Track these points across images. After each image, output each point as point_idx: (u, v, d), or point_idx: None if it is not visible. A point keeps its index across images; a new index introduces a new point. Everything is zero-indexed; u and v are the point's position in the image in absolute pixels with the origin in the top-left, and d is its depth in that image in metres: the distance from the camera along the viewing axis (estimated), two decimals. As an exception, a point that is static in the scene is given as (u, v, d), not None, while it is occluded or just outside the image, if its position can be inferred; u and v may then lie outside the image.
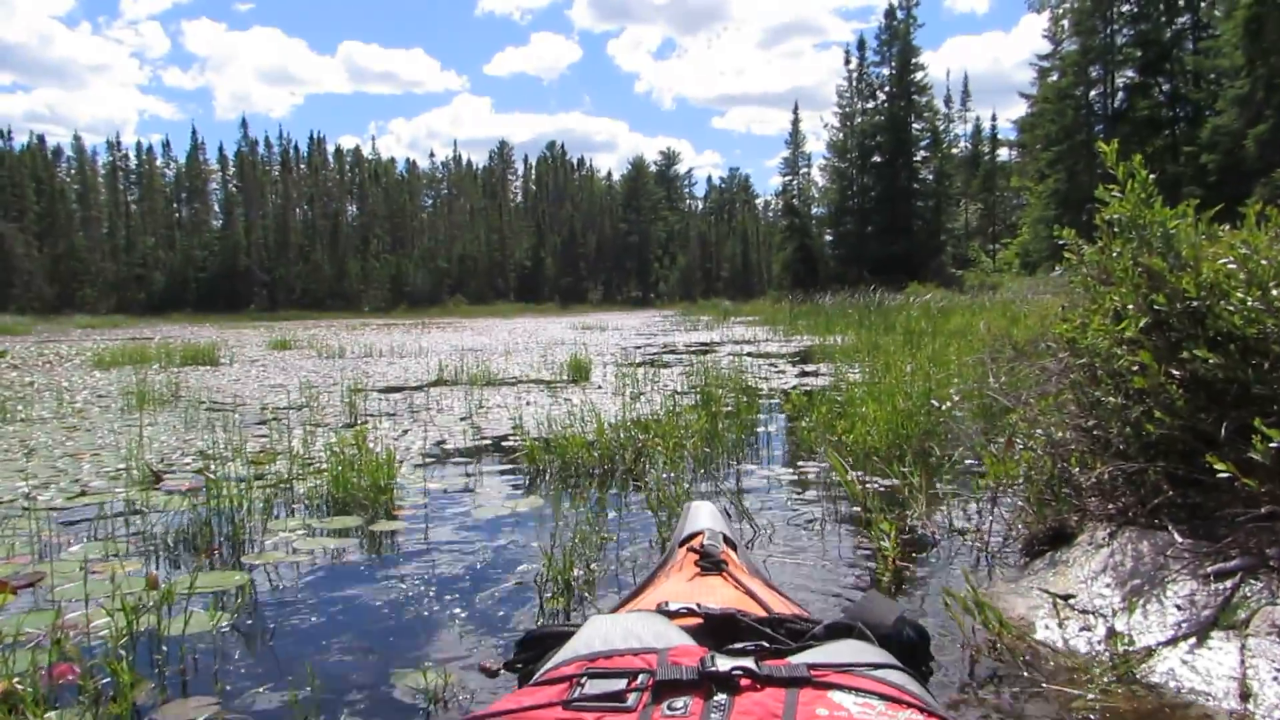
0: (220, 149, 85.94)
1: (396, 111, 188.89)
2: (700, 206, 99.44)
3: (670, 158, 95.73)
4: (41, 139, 77.10)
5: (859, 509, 3.00)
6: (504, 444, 4.68)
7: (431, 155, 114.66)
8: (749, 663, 0.80)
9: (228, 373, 10.01)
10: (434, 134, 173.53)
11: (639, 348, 13.79)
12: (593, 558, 2.48)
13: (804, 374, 8.15)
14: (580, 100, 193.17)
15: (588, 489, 3.46)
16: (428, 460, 4.23)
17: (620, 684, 0.80)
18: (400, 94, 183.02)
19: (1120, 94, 30.54)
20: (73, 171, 79.78)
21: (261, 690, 1.73)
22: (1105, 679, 1.70)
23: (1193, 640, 1.81)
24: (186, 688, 1.75)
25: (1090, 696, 1.64)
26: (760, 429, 4.90)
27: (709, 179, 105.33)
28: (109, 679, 1.68)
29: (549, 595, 2.23)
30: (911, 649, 1.03)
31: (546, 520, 3.04)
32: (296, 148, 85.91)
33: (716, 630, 0.98)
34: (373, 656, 1.90)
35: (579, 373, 8.31)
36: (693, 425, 4.16)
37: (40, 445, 4.74)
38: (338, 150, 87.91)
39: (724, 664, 0.80)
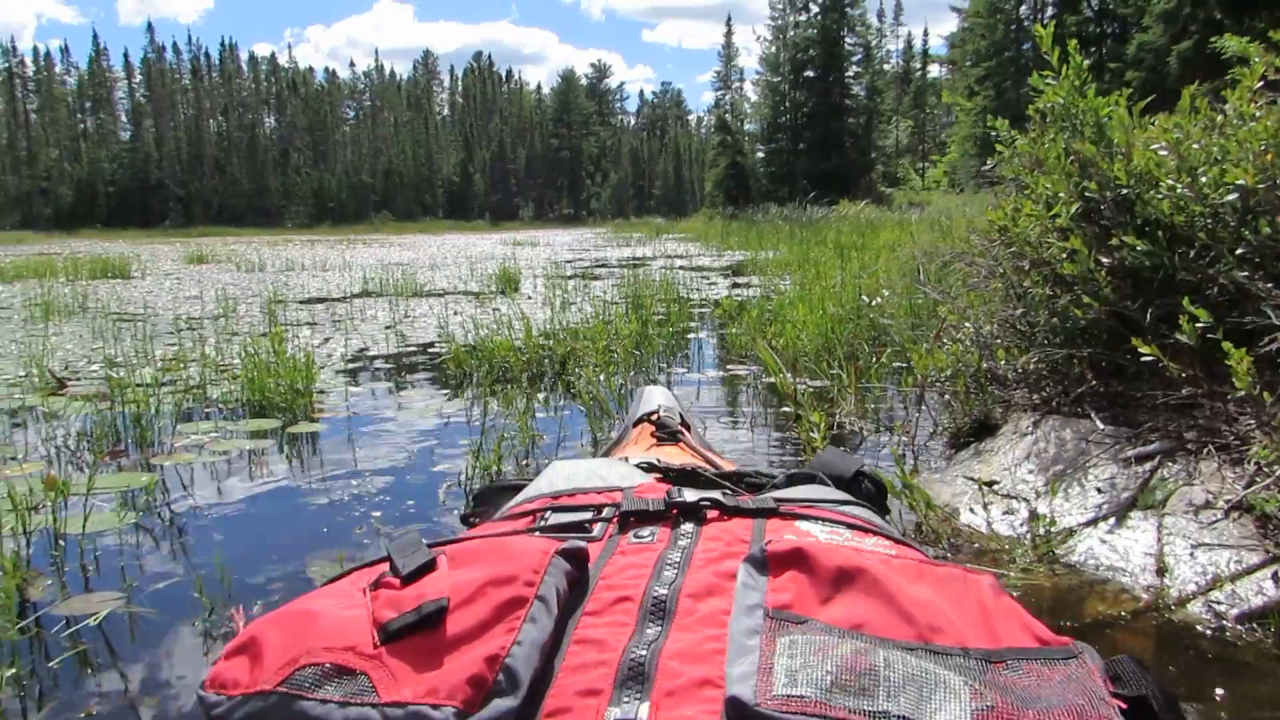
0: (125, 55, 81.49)
1: (314, 18, 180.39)
2: (633, 122, 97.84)
3: (601, 71, 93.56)
4: (-74, 41, 71.52)
5: (789, 409, 3.00)
6: (429, 350, 4.58)
7: (352, 65, 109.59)
8: (716, 495, 0.78)
9: (140, 285, 9.60)
10: (354, 43, 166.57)
11: (569, 262, 13.61)
12: (522, 454, 2.43)
13: (735, 286, 8.14)
14: (508, 9, 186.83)
15: (516, 393, 3.39)
16: (351, 366, 4.11)
17: (585, 515, 0.77)
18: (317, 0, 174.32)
19: (1050, 9, 30.63)
20: (-37, 77, 74.65)
21: (170, 584, 1.65)
22: (1027, 559, 1.73)
23: (1112, 521, 1.85)
24: (89, 584, 1.66)
25: (1012, 575, 1.66)
26: (691, 335, 4.88)
27: (641, 94, 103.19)
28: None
29: (476, 491, 2.17)
30: (870, 500, 1.01)
31: (474, 422, 2.97)
32: (208, 54, 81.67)
33: (678, 483, 0.94)
34: (288, 549, 1.83)
35: (508, 284, 8.16)
36: (623, 330, 4.10)
37: (-68, 355, 4.47)
38: (252, 58, 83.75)
39: (691, 497, 0.77)
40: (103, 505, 2.08)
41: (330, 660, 0.54)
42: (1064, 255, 2.13)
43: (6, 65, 76.25)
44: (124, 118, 79.77)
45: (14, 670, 1.31)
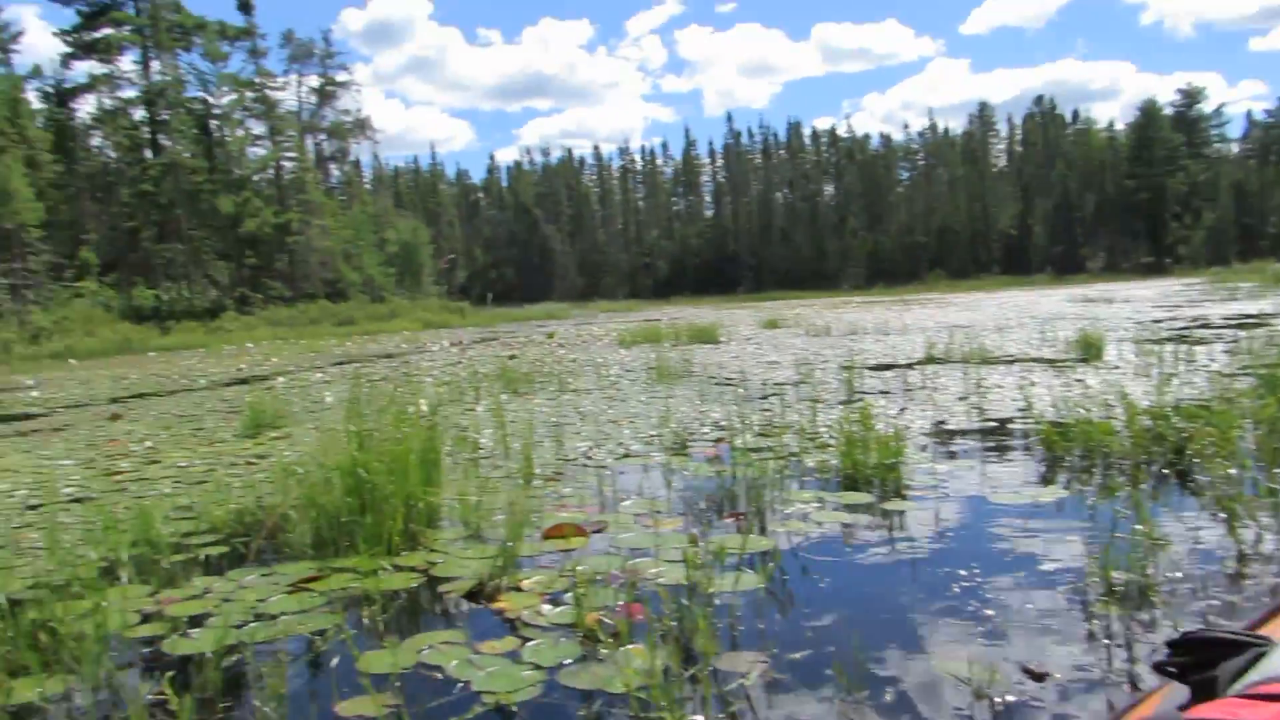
0: (710, 144, 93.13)
1: (870, 87, 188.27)
2: (1235, 150, 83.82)
3: (1192, 96, 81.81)
4: (570, 152, 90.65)
5: None
6: (1011, 426, 4.40)
7: (906, 127, 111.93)
8: None
9: (727, 350, 10.81)
10: (908, 105, 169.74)
11: (1159, 321, 12.10)
12: (1143, 563, 2.19)
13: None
14: (1072, 46, 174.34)
15: (1119, 482, 3.09)
16: (930, 440, 4.13)
17: None
18: (873, 69, 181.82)
19: None
20: (594, 177, 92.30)
21: (801, 655, 1.80)
22: None
23: None
24: (735, 641, 1.89)
25: None
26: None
27: (1248, 115, 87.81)
28: (675, 622, 1.89)
29: (1096, 599, 2.02)
30: None
31: (1072, 513, 2.78)
32: (776, 134, 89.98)
33: None
34: (908, 638, 1.88)
35: (1089, 350, 7.51)
36: (1255, 412, 3.50)
37: (589, 412, 5.55)
38: (814, 133, 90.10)
39: None
40: (732, 565, 2.36)
41: None
42: None
43: (622, 163, 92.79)
44: (708, 198, 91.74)
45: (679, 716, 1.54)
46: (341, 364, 12.94)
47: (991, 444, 4.04)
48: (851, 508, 2.99)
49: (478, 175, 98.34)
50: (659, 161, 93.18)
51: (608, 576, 2.26)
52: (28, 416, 7.73)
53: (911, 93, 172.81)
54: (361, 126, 52.17)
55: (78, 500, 3.65)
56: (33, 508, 3.57)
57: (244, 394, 8.42)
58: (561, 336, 17.62)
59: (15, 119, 29.91)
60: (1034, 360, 7.53)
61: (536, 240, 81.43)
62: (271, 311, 33.89)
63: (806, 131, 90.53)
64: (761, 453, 3.58)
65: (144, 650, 1.99)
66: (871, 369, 7.55)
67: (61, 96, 38.58)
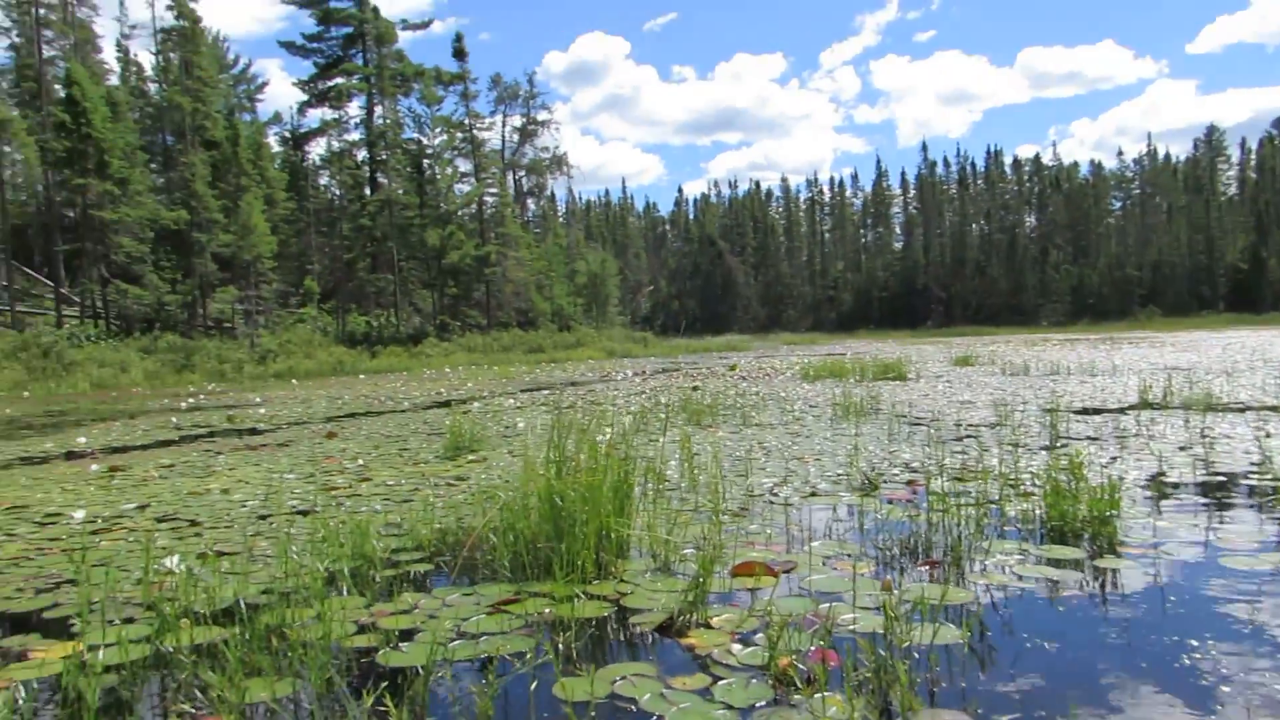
0: (902, 174, 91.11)
1: (1080, 112, 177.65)
2: None
3: None
4: (758, 184, 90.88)
5: None
6: (1244, 482, 3.99)
7: (1120, 154, 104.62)
8: None
9: (915, 387, 10.43)
10: (1123, 130, 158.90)
11: None
12: None
13: None
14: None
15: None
16: (1148, 493, 3.81)
17: None
18: (1084, 93, 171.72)
19: None
20: (780, 209, 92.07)
21: (1011, 716, 1.70)
22: None
23: None
24: (934, 698, 1.81)
25: None
26: None
27: None
28: (871, 673, 1.83)
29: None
30: None
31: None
32: (973, 164, 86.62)
33: None
34: (1113, 707, 1.73)
35: (1338, 399, 6.72)
36: None
37: (773, 448, 5.50)
38: (1015, 161, 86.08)
39: None
40: (930, 616, 2.26)
41: None
42: None
43: (810, 195, 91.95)
44: (897, 230, 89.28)
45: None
46: (531, 390, 13.47)
47: (1220, 500, 3.67)
48: (1059, 562, 2.80)
49: (665, 208, 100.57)
50: (848, 193, 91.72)
51: (799, 619, 2.23)
52: (256, 431, 8.51)
53: (1127, 117, 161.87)
54: (559, 163, 54.65)
55: (301, 513, 3.98)
56: (263, 517, 3.92)
57: (443, 417, 8.92)
58: (743, 369, 17.59)
59: (257, 161, 33.32)
60: (1271, 409, 6.80)
61: (720, 272, 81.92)
62: (468, 338, 35.82)
63: (1008, 160, 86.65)
64: (958, 498, 3.42)
65: (361, 660, 2.14)
66: (1077, 413, 7.07)
67: (297, 140, 42.80)
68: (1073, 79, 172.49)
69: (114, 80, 35.79)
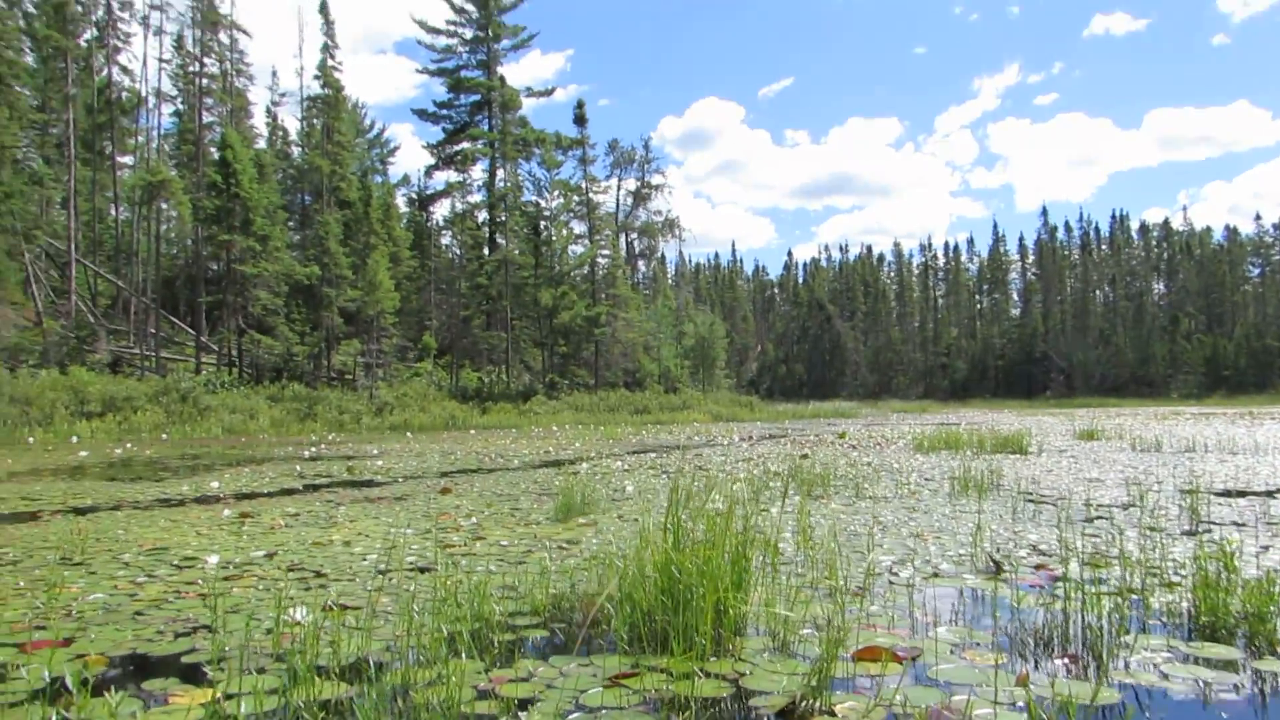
0: (1020, 239, 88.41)
1: (1213, 175, 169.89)
2: None
3: None
4: (869, 248, 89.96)
5: None
6: None
7: (1258, 218, 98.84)
8: None
9: (1037, 462, 9.99)
10: (1261, 194, 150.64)
11: None
12: None
13: None
14: None
15: None
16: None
17: None
18: (1218, 156, 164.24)
19: None
20: (892, 274, 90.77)
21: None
22: None
23: None
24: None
25: None
26: None
27: None
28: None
29: None
30: None
31: None
32: (1097, 229, 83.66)
33: None
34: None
35: None
36: None
37: (889, 522, 5.33)
38: (1143, 226, 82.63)
39: None
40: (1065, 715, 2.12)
41: None
42: None
43: (923, 259, 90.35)
44: (1015, 296, 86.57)
45: None
46: (638, 453, 13.50)
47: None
48: (1211, 662, 2.60)
49: (775, 271, 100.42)
50: (963, 257, 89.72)
51: (928, 713, 2.13)
52: (373, 484, 8.78)
53: (1265, 180, 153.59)
54: (671, 226, 55.47)
55: (420, 569, 4.06)
56: (382, 572, 4.02)
57: (552, 477, 9.02)
58: (853, 437, 17.22)
59: (386, 220, 35.01)
60: None
61: (828, 336, 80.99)
62: (575, 397, 36.29)
63: (1134, 225, 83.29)
64: (1094, 585, 3.23)
65: (482, 726, 2.15)
66: (1218, 494, 6.62)
67: (423, 201, 44.91)
68: (1205, 141, 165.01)
69: (262, 143, 38.47)
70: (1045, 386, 73.45)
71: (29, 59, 30.79)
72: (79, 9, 29.64)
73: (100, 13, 30.97)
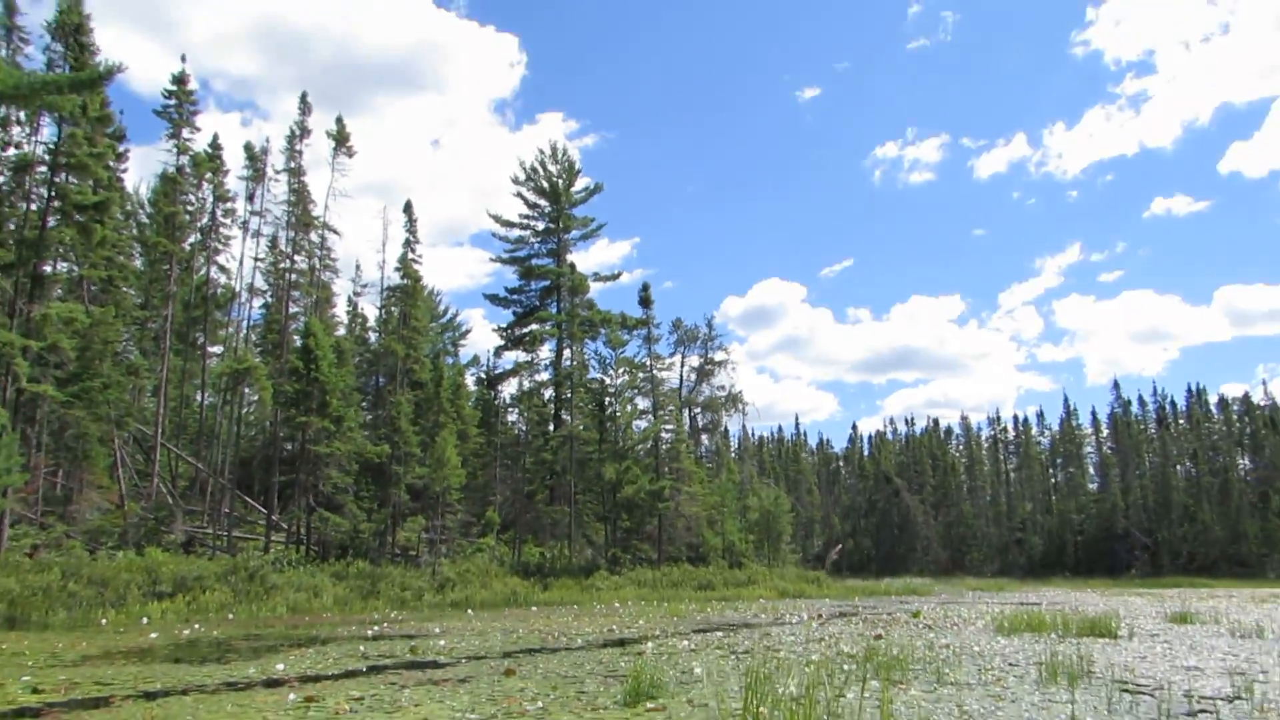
0: (1093, 413, 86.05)
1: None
2: None
3: None
4: (936, 422, 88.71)
5: None
6: None
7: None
8: None
9: (1128, 647, 9.44)
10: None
11: None
12: None
13: None
14: None
15: None
16: None
17: None
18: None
19: None
20: (961, 447, 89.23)
21: None
22: None
23: None
24: None
25: None
26: None
27: None
28: None
29: None
30: None
31: None
32: (1173, 403, 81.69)
33: None
34: None
35: None
36: None
37: (975, 713, 5.07)
38: (1221, 400, 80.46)
39: None
40: None
41: None
42: None
43: (992, 433, 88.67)
44: (1091, 470, 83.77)
45: None
46: (703, 631, 13.10)
47: None
48: None
49: (839, 444, 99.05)
50: (1034, 431, 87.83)
51: None
52: (436, 665, 8.66)
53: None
54: (734, 400, 55.87)
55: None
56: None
57: (617, 657, 8.80)
58: (928, 616, 16.48)
59: (455, 400, 35.93)
60: None
61: (897, 510, 78.85)
62: (638, 572, 35.56)
63: (1212, 399, 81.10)
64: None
65: None
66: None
67: (491, 380, 46.27)
68: (1277, 317, 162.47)
69: (342, 330, 40.36)
70: (1129, 565, 69.64)
71: (138, 261, 33.40)
72: (187, 218, 32.29)
73: (205, 220, 33.69)
